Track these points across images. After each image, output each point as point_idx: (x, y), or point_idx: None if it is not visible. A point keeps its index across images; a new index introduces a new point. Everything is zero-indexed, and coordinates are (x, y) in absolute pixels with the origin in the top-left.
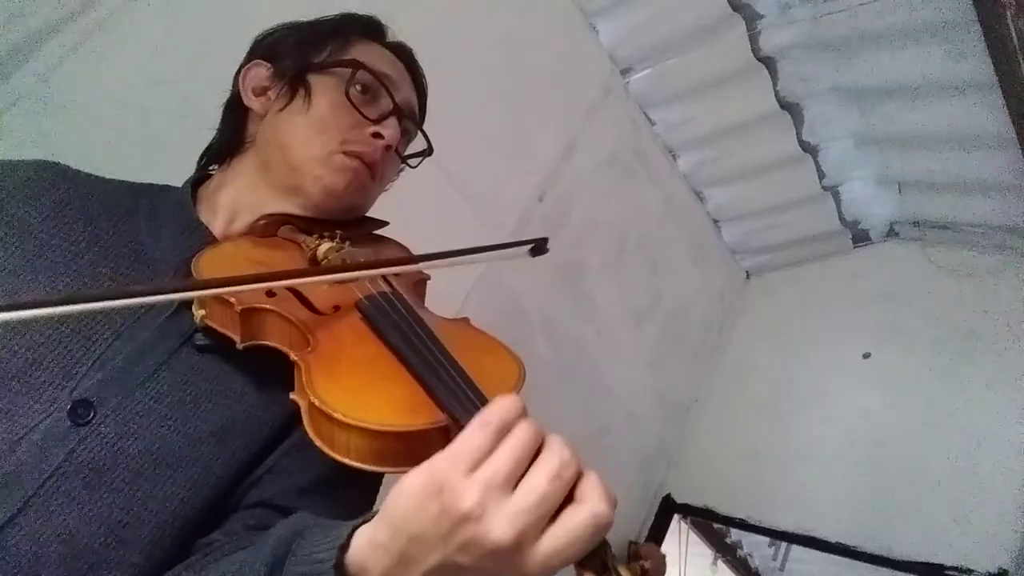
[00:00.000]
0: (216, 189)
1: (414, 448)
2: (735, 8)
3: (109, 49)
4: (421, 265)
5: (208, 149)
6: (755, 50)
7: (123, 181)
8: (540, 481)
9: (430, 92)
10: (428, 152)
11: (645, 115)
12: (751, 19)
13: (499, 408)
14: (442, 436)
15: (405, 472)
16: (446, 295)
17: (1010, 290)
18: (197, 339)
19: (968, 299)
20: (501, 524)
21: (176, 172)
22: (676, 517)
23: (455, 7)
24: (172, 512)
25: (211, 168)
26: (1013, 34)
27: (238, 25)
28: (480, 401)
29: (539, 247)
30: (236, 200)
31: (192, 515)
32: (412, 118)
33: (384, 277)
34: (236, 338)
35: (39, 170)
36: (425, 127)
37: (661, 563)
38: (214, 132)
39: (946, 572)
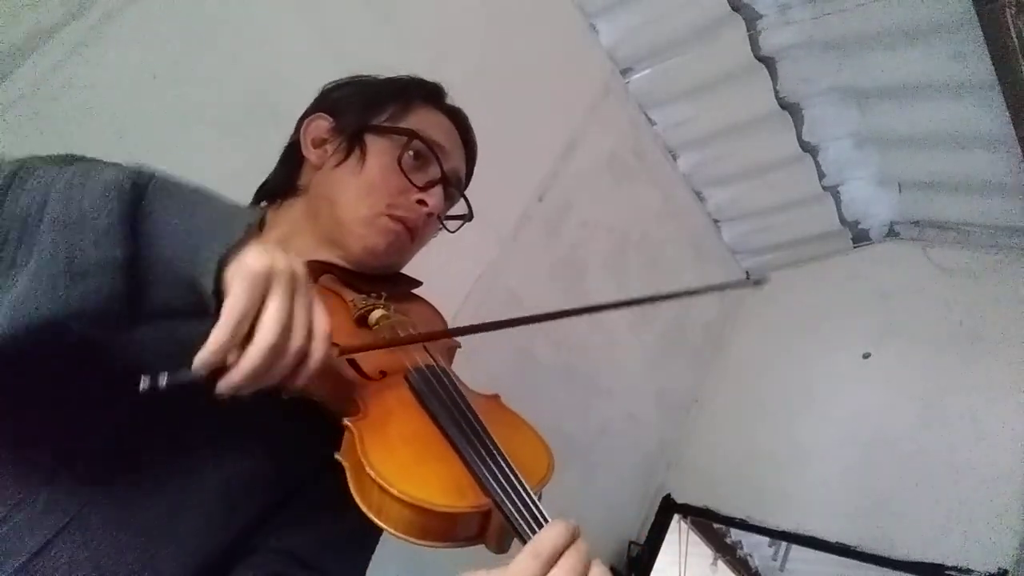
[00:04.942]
0: (266, 228)
1: (456, 527)
2: (735, 8)
3: (109, 49)
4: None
5: (263, 187)
6: (755, 50)
7: None
8: None
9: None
10: (468, 218)
11: (645, 115)
12: (751, 19)
13: (551, 537)
14: (483, 519)
15: (440, 547)
16: (446, 295)
17: (1010, 290)
18: None
19: (968, 299)
20: None
21: (176, 171)
22: (676, 517)
23: (456, 7)
24: (197, 549)
25: (262, 203)
26: (1013, 34)
27: (238, 25)
28: (522, 489)
29: (759, 281)
30: (282, 242)
31: (216, 554)
32: (457, 186)
33: (426, 346)
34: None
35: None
36: None
37: None
38: (214, 131)
39: (946, 572)
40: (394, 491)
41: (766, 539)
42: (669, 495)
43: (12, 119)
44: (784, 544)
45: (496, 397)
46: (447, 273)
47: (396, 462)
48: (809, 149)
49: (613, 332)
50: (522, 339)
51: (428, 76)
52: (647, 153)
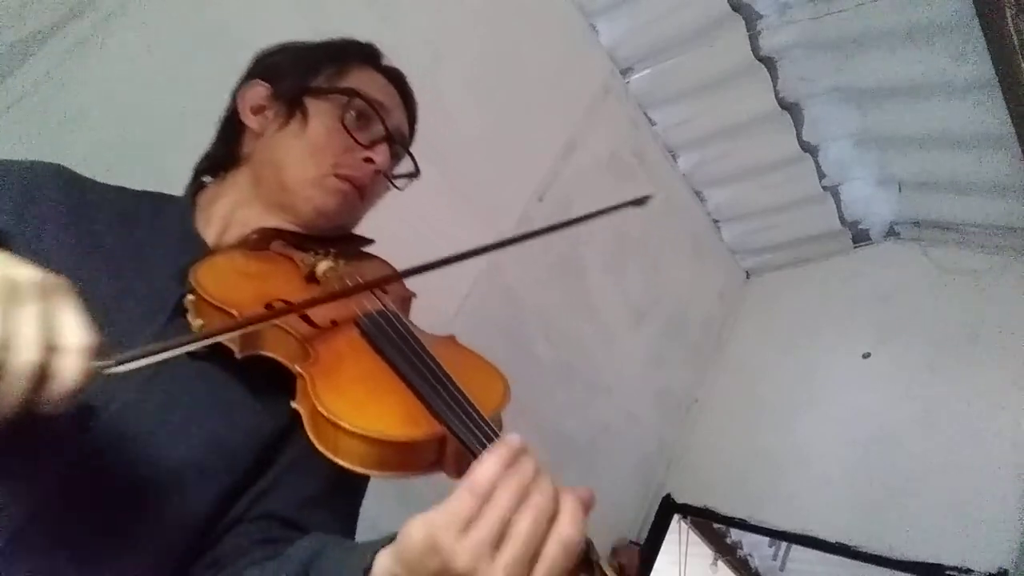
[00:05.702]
0: (211, 200)
1: (412, 456)
2: (735, 8)
3: (109, 49)
4: (554, 232)
5: (204, 160)
6: (755, 50)
7: (123, 188)
8: (525, 532)
9: (431, 93)
10: (415, 175)
11: (645, 115)
12: (751, 19)
13: (485, 468)
14: (438, 445)
15: (400, 477)
16: (446, 295)
17: (1010, 290)
18: None
19: (968, 299)
20: (492, 574)
21: (174, 172)
22: (676, 517)
23: (456, 7)
24: (173, 518)
25: (204, 178)
26: (1013, 34)
27: (237, 27)
28: (475, 413)
29: (642, 200)
30: (230, 213)
31: (194, 523)
32: (402, 142)
33: (378, 296)
34: (235, 349)
35: (52, 175)
36: (426, 126)
37: (635, 556)
38: (213, 131)
39: (946, 572)
40: (346, 425)
41: (766, 539)
42: (669, 495)
43: (12, 119)
44: (784, 544)
45: (451, 337)
46: (447, 273)
47: (348, 399)
48: (809, 149)
49: (613, 331)
50: (522, 339)
51: (429, 76)
52: (647, 153)
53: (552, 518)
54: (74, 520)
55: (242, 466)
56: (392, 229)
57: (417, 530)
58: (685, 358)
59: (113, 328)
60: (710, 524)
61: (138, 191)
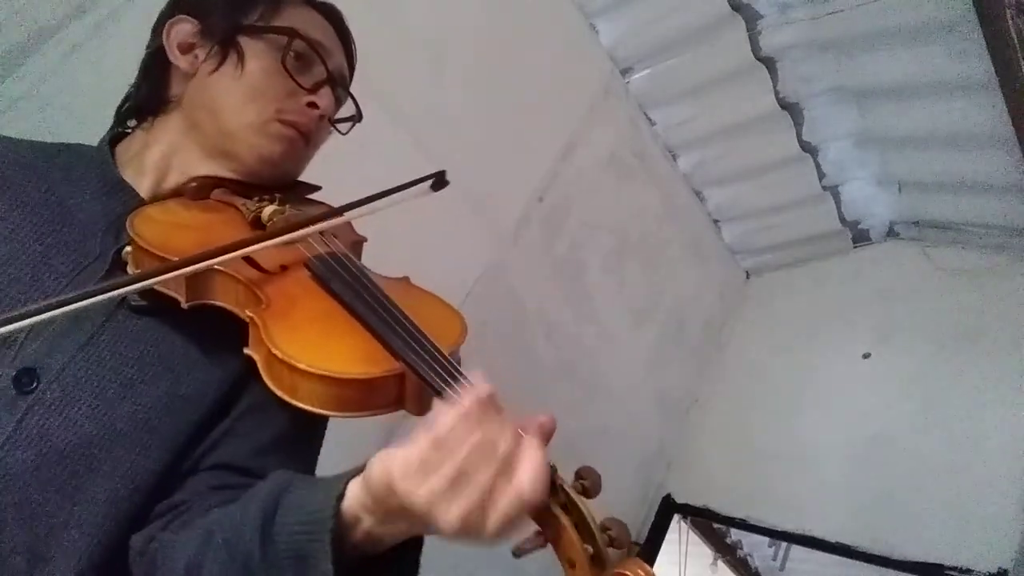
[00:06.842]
0: (143, 148)
1: (371, 394)
2: (735, 8)
3: (109, 49)
4: (350, 216)
5: (126, 101)
6: (755, 50)
7: (33, 141)
8: (481, 482)
9: (431, 92)
10: (358, 118)
11: (645, 115)
12: (751, 19)
13: (449, 422)
14: (398, 382)
15: (361, 416)
16: (446, 295)
17: (1010, 290)
18: (132, 300)
19: (968, 299)
20: (447, 518)
21: None
22: (676, 517)
23: (456, 7)
24: (125, 475)
25: (128, 124)
26: (1013, 34)
27: None
28: (433, 349)
29: (439, 181)
30: (164, 160)
31: (146, 478)
32: (344, 85)
33: (327, 238)
34: (181, 298)
35: None
36: (425, 126)
37: (597, 479)
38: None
39: (946, 572)
40: (302, 366)
41: (766, 539)
42: (669, 495)
43: (12, 119)
44: (784, 544)
45: (406, 279)
46: (447, 273)
47: (302, 340)
48: (809, 149)
49: (613, 332)
50: (523, 339)
51: (429, 76)
52: (647, 153)
53: (512, 468)
54: (18, 483)
55: (194, 422)
56: (391, 229)
57: (377, 469)
58: (685, 358)
59: (44, 285)
60: (710, 524)
61: (50, 144)
